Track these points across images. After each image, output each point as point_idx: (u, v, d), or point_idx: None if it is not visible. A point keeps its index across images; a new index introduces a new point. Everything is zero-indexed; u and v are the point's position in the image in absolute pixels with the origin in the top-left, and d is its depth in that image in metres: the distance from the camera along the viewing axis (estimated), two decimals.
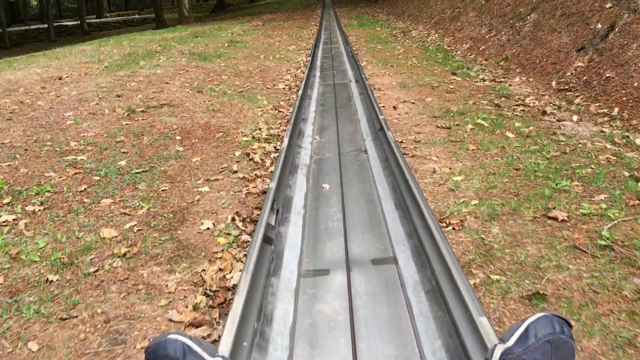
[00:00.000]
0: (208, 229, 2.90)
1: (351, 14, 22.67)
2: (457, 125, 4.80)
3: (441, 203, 3.05)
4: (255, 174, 3.79)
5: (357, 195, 3.26)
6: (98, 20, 36.28)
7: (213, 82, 7.49)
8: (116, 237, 2.83)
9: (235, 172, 3.88)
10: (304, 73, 7.76)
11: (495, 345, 1.13)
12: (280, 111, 5.72)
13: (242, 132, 4.91)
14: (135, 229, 2.93)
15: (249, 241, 2.70)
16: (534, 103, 5.51)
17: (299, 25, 17.23)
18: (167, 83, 7.23)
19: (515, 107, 5.42)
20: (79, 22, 36.28)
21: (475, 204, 2.97)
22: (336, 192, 3.35)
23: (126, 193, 3.52)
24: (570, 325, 1.10)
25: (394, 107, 5.66)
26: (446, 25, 12.52)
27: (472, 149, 4.04)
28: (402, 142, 4.39)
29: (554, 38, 7.34)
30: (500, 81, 6.85)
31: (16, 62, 9.77)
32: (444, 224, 2.75)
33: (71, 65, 8.91)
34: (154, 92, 6.61)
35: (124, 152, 4.36)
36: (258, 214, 3.00)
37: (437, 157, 3.92)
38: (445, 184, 3.35)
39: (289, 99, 6.37)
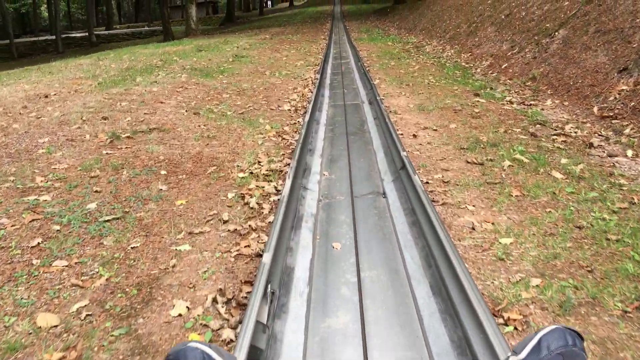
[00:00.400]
0: (180, 315, 2.16)
1: (361, 27, 22.05)
2: (491, 160, 4.04)
3: (491, 282, 2.29)
4: (249, 226, 3.05)
5: (377, 264, 2.51)
6: (107, 32, 35.99)
7: (212, 101, 6.79)
8: (55, 327, 2.09)
9: (226, 221, 3.13)
10: (312, 92, 7.05)
11: (508, 356, 1.11)
12: (284, 138, 4.99)
13: (238, 165, 4.17)
14: (84, 313, 2.18)
15: (232, 341, 1.95)
16: (576, 132, 4.74)
17: (307, 39, 16.60)
18: (161, 103, 6.54)
19: (554, 137, 4.65)
20: (87, 33, 36.06)
21: (537, 286, 2.20)
22: (350, 256, 2.60)
23: (87, 251, 2.78)
24: (582, 339, 1.07)
25: (414, 136, 4.91)
26: (462, 41, 11.80)
27: (516, 196, 3.27)
28: (427, 182, 3.64)
29: (588, 57, 6.58)
30: (530, 104, 6.09)
31: (7, 77, 9.16)
32: (501, 320, 1.98)
33: (62, 81, 8.26)
34: (145, 113, 5.91)
35: (96, 191, 3.64)
36: (248, 292, 2.25)
37: (473, 205, 3.16)
38: (490, 249, 2.58)
39: (295, 123, 5.65)
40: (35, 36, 42.48)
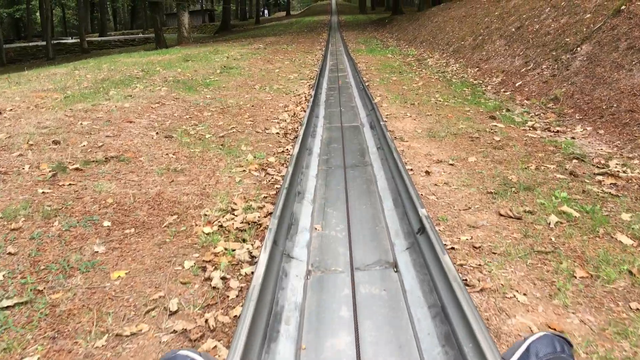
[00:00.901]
0: None
1: (359, 38, 21.22)
2: (531, 213, 3.10)
3: None
4: (206, 322, 2.10)
5: None
6: (100, 38, 35.07)
7: (191, 121, 5.85)
8: None
9: (174, 312, 2.18)
10: (304, 111, 6.14)
11: None
12: (268, 173, 4.05)
13: (206, 214, 3.22)
14: None
15: None
16: (625, 172, 3.82)
17: (303, 50, 15.71)
18: (130, 122, 5.59)
19: (600, 177, 3.73)
20: (79, 40, 35.13)
21: None
22: None
23: None
24: (570, 345, 1.07)
25: (427, 172, 3.98)
26: (468, 54, 10.92)
27: (581, 277, 2.33)
28: (452, 248, 2.69)
29: (622, 77, 5.69)
30: (558, 131, 5.18)
31: None
32: None
33: (26, 93, 7.29)
34: (107, 136, 4.95)
35: (10, 254, 2.68)
36: None
37: (524, 294, 2.22)
38: None
39: (283, 152, 4.71)
40: (28, 41, 41.50)
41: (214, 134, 5.30)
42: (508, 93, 7.38)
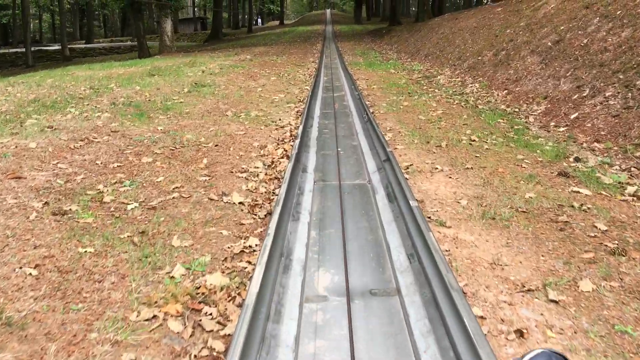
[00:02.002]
0: None
1: (355, 49, 19.24)
2: None
3: None
4: None
5: None
6: (83, 45, 32.91)
7: (117, 174, 3.80)
8: None
9: None
10: (288, 158, 4.10)
11: None
12: (200, 325, 1.96)
13: None
14: None
15: None
16: None
17: (294, 62, 13.68)
18: (17, 179, 3.54)
19: None
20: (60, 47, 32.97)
21: None
22: None
23: None
24: None
25: (520, 333, 1.89)
26: (489, 72, 8.92)
27: None
28: None
29: None
30: None
31: None
32: None
33: None
34: None
35: None
36: None
37: None
38: None
39: (243, 250, 2.66)
40: (13, 47, 39.28)
41: (140, 206, 3.22)
42: (562, 129, 5.37)
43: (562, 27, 7.91)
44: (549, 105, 6.26)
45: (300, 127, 5.06)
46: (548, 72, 7.11)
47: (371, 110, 6.45)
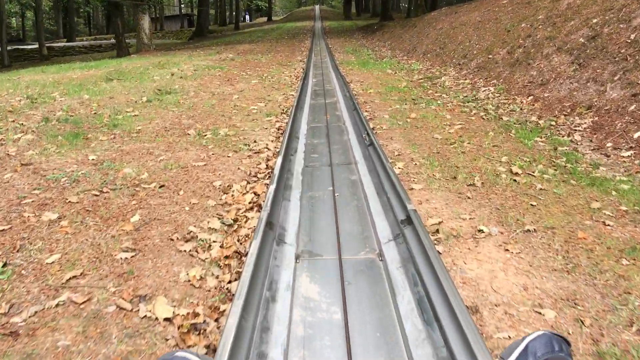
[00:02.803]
0: None
1: (346, 46, 17.75)
2: None
3: None
4: None
5: None
6: (62, 44, 31.04)
7: None
8: None
9: None
10: (259, 209, 2.66)
11: None
12: None
13: None
14: None
15: None
16: None
17: (280, 61, 12.17)
18: None
19: None
20: (57, 44, 31.10)
21: None
22: None
23: None
24: (568, 344, 1.03)
25: None
26: (504, 74, 7.51)
27: None
28: None
29: None
30: None
31: None
32: None
33: None
34: None
35: None
36: None
37: None
38: None
39: None
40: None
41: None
42: (627, 153, 3.96)
43: (595, 20, 6.50)
44: (596, 118, 4.86)
45: (279, 159, 3.59)
46: (586, 74, 5.70)
47: (371, 126, 5.02)
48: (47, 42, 39.76)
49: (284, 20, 44.33)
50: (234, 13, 42.17)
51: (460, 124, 5.20)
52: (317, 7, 53.69)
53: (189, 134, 4.78)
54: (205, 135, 4.73)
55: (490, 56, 8.74)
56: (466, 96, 7.03)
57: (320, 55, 15.12)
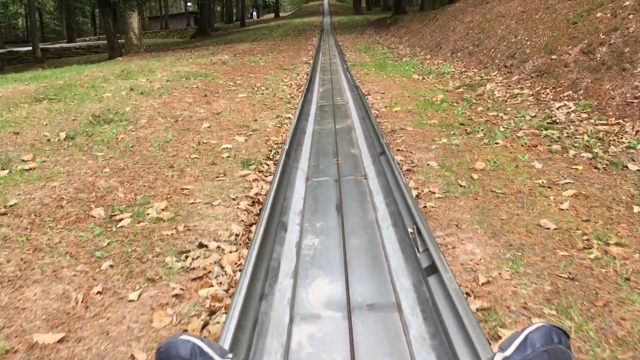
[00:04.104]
0: None
1: (358, 43, 15.42)
2: None
3: None
4: None
5: None
6: (58, 45, 29.07)
7: None
8: None
9: None
10: None
11: (495, 353, 1.03)
12: None
13: None
14: None
15: None
16: None
17: (280, 64, 9.92)
18: None
19: None
20: (56, 45, 29.19)
21: None
22: None
23: None
24: (568, 336, 1.02)
25: None
26: (584, 83, 5.27)
27: None
28: None
29: None
30: None
31: None
32: None
33: None
34: None
35: None
36: None
37: None
38: None
39: None
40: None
41: None
42: None
43: None
44: None
45: (235, 306, 1.37)
46: None
47: (412, 185, 2.77)
48: (49, 42, 37.88)
49: (291, 16, 41.93)
50: (240, 10, 39.87)
51: (568, 186, 2.92)
52: (325, 1, 51.12)
53: (92, 217, 2.57)
54: (119, 223, 2.51)
55: (553, 57, 6.40)
56: (536, 117, 4.75)
57: (329, 54, 12.82)
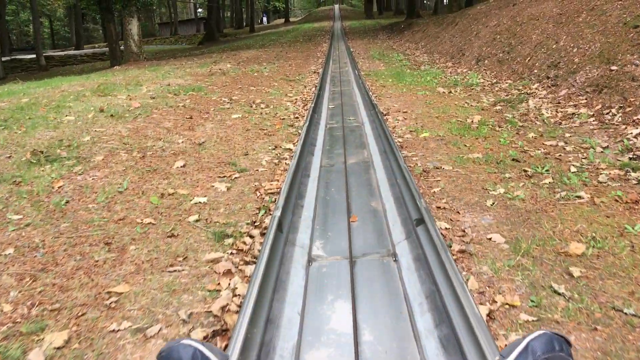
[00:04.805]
0: None
1: (371, 49, 14.25)
2: None
3: None
4: None
5: None
6: (63, 53, 28.31)
7: None
8: None
9: None
10: None
11: None
12: None
13: None
14: None
15: None
16: None
17: (286, 74, 8.79)
18: None
19: None
20: (61, 52, 28.45)
21: None
22: None
23: None
24: (569, 344, 1.00)
25: None
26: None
27: None
28: None
29: None
30: None
31: None
32: None
33: None
34: None
35: None
36: None
37: None
38: None
39: None
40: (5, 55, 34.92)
41: None
42: None
43: None
44: None
45: None
46: None
47: (476, 290, 1.60)
48: (60, 50, 37.27)
49: (301, 21, 40.89)
50: (250, 15, 38.91)
51: None
52: (336, 6, 50.02)
53: None
54: None
55: (613, 67, 5.16)
56: (609, 148, 3.57)
57: (340, 62, 11.66)
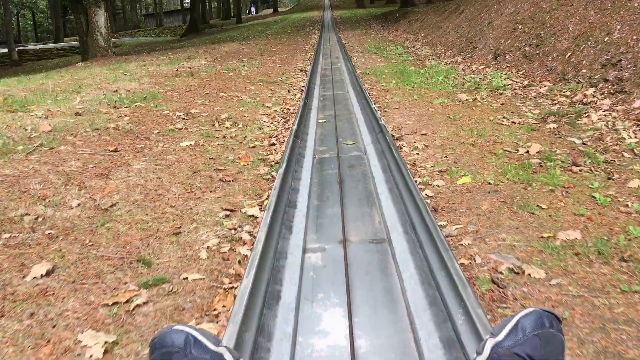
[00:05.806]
0: None
1: (365, 42, 12.52)
2: None
3: None
4: None
5: None
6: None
7: None
8: None
9: None
10: None
11: (487, 339, 0.99)
12: None
13: None
14: None
15: None
16: None
17: (267, 74, 7.09)
18: None
19: None
20: (50, 45, 26.30)
21: None
22: None
23: None
24: (559, 321, 0.99)
25: None
26: None
27: None
28: None
29: None
30: None
31: None
32: None
33: None
34: None
35: None
36: None
37: None
38: None
39: None
40: None
41: None
42: None
43: None
44: None
45: None
46: None
47: None
48: (42, 42, 34.97)
49: (290, 11, 38.83)
50: (239, 5, 36.76)
51: None
52: None
53: None
54: None
55: None
56: None
57: (331, 57, 9.93)
